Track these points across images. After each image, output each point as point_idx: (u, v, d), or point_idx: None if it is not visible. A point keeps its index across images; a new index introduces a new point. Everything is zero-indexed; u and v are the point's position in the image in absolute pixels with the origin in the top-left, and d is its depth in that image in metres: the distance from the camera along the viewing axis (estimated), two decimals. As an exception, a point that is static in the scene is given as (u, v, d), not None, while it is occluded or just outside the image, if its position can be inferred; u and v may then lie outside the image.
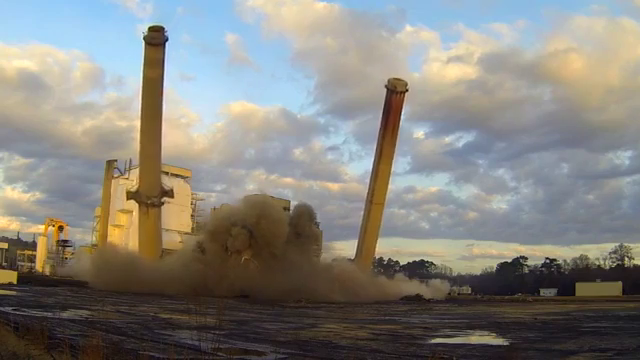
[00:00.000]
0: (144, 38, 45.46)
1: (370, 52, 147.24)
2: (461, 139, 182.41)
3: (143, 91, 46.87)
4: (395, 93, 52.80)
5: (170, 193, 48.88)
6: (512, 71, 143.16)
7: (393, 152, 55.27)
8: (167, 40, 45.99)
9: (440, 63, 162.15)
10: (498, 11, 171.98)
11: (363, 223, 53.52)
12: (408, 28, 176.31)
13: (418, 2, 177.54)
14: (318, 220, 50.21)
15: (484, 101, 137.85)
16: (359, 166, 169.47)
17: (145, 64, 46.23)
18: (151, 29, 45.92)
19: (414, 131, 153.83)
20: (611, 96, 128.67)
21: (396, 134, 54.61)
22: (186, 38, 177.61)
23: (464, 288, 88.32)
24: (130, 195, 48.80)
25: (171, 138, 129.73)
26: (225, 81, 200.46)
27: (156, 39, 45.52)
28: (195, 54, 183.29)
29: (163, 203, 48.33)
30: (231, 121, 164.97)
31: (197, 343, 7.65)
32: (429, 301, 45.00)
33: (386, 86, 53.51)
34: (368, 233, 52.92)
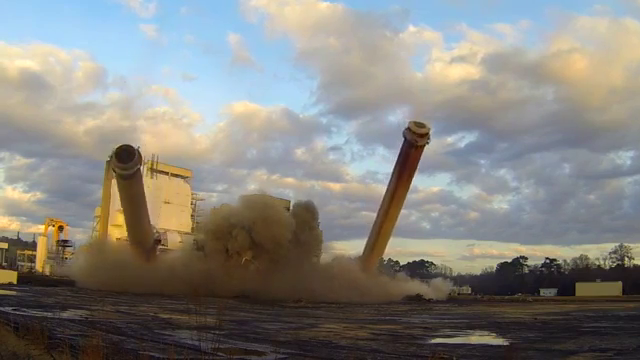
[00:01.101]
0: (113, 169, 35.91)
1: (373, 52, 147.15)
2: (463, 139, 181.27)
3: (122, 204, 41.36)
4: (415, 147, 45.37)
5: (162, 239, 46.19)
6: (515, 71, 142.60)
7: (406, 194, 50.72)
8: (141, 165, 37.21)
9: (443, 63, 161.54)
10: (501, 11, 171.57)
11: (370, 238, 52.00)
12: (411, 28, 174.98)
13: (421, 2, 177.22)
14: (319, 220, 49.84)
15: (487, 101, 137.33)
16: (361, 166, 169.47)
17: (119, 187, 39.17)
18: (119, 157, 35.38)
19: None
20: (613, 96, 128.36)
21: (411, 180, 49.44)
22: (189, 38, 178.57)
23: (464, 288, 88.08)
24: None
25: (173, 138, 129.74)
26: (227, 81, 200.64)
27: (128, 170, 36.47)
28: (198, 54, 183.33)
29: (157, 246, 46.33)
30: (233, 121, 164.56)
31: (197, 343, 7.64)
32: (429, 301, 44.99)
33: (404, 134, 45.59)
34: (375, 251, 52.03)
